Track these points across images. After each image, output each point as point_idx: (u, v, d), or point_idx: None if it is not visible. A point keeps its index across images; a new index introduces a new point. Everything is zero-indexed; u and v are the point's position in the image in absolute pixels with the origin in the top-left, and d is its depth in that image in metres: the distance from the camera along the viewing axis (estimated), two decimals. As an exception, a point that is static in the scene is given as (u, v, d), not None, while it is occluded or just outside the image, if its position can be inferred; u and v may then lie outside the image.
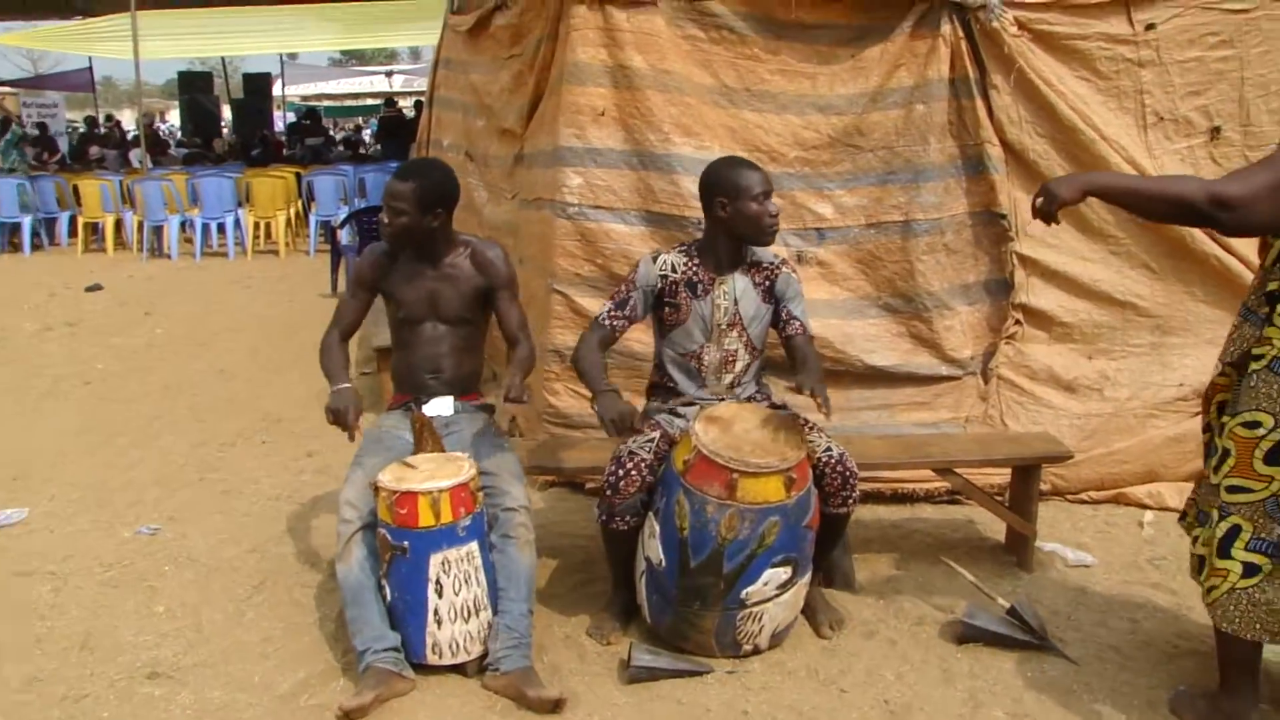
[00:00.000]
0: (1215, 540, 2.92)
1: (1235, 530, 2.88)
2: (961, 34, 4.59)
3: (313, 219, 13.18)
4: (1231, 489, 2.88)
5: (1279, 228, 2.77)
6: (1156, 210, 2.87)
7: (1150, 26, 4.66)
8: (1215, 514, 2.94)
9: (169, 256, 12.78)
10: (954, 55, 4.61)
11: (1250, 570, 2.87)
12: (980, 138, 4.64)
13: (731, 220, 3.52)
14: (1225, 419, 2.94)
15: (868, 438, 4.34)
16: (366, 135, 25.87)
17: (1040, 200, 2.93)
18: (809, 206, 4.73)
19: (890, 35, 4.61)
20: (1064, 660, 3.44)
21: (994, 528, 4.42)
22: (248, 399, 6.59)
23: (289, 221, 13.36)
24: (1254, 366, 2.85)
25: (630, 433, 3.36)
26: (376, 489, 3.24)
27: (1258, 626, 2.89)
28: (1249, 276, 4.16)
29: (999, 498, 4.39)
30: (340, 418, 3.41)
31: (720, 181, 3.54)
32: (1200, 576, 3.04)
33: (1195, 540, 3.11)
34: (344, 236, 10.17)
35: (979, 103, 4.63)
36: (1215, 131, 4.79)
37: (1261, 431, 2.80)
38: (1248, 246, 4.67)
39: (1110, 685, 3.31)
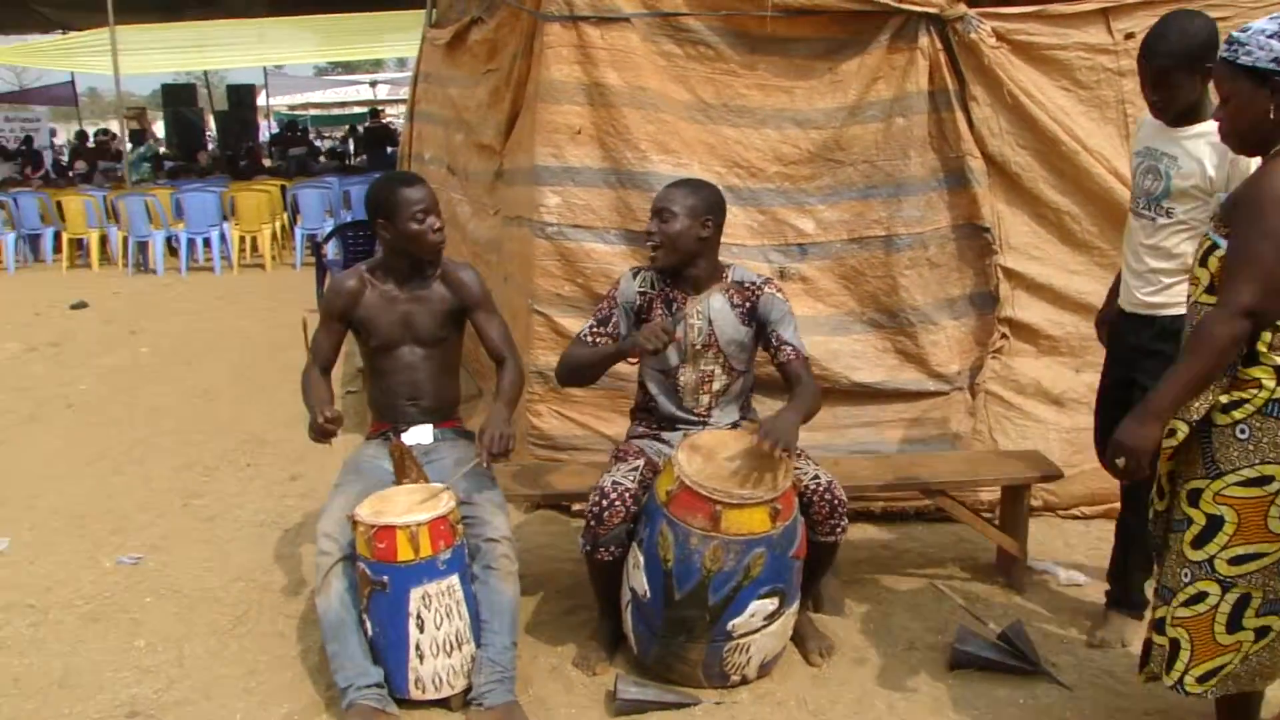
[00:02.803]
0: (1220, 616, 2.62)
1: (1245, 599, 2.60)
2: (940, 46, 4.54)
3: (298, 232, 13.11)
4: (1236, 559, 2.58)
5: None
6: (1218, 372, 2.54)
7: (1130, 35, 4.61)
8: (1213, 589, 2.60)
9: (155, 272, 12.72)
10: (933, 67, 4.56)
11: (1262, 633, 2.64)
12: (961, 150, 4.60)
13: None
14: (1197, 483, 2.61)
15: (855, 459, 4.31)
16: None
17: (1124, 460, 2.60)
18: (790, 222, 4.69)
19: (868, 48, 4.57)
20: (1057, 686, 3.40)
21: (986, 545, 4.37)
22: (232, 420, 6.54)
23: (274, 235, 13.30)
24: (1236, 415, 2.55)
25: (665, 336, 3.34)
26: (354, 522, 3.20)
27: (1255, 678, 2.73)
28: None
29: (988, 514, 4.36)
30: (323, 429, 3.40)
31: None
32: (1174, 664, 2.69)
33: (1159, 623, 2.76)
34: (330, 251, 10.10)
35: (959, 115, 4.58)
36: (1198, 141, 4.74)
37: (1275, 487, 2.51)
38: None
39: (1105, 712, 3.26)
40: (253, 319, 9.84)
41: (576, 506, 4.67)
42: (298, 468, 5.55)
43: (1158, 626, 2.75)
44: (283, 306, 10.25)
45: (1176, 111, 3.31)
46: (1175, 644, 2.68)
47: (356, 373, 6.65)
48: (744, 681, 3.39)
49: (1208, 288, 2.61)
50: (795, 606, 3.41)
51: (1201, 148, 3.31)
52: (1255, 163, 3.03)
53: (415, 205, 3.46)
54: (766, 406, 4.26)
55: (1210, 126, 3.19)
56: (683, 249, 3.51)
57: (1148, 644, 2.83)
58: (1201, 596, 2.62)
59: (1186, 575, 2.65)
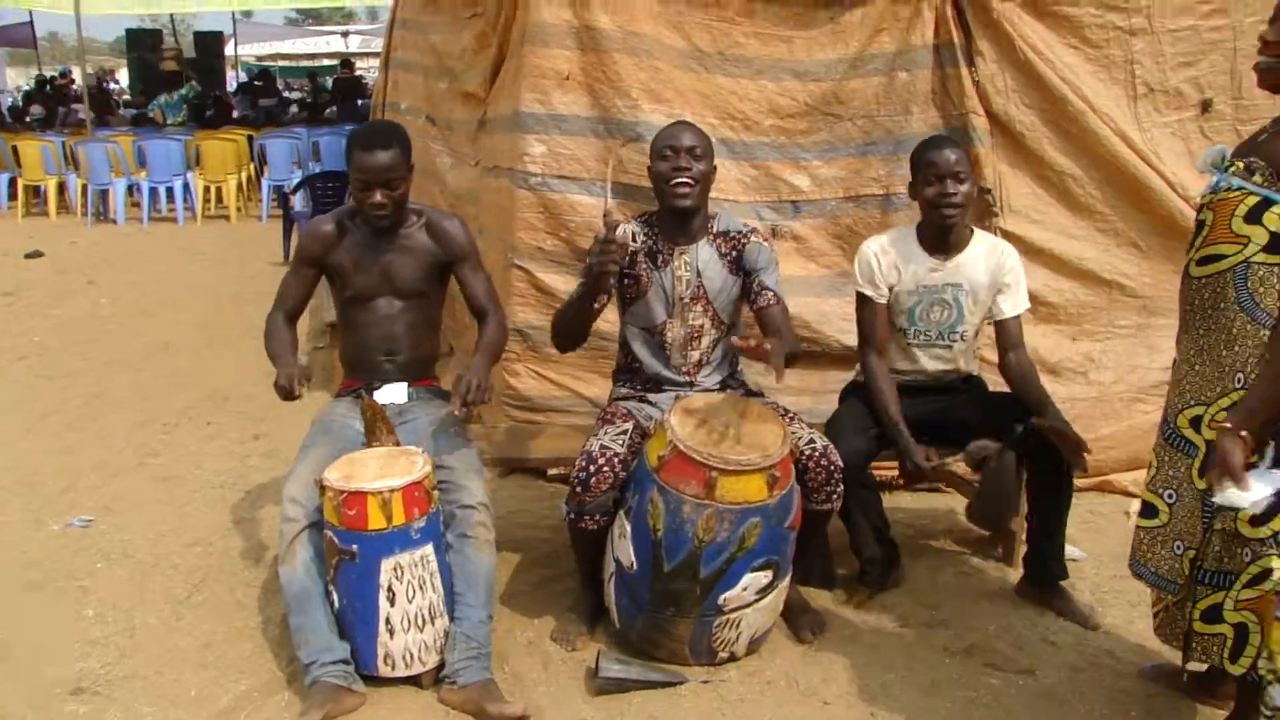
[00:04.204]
0: None
1: None
2: (947, -2, 4.36)
3: (265, 183, 12.77)
4: None
5: None
6: None
7: (1144, -10, 4.45)
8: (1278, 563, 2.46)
9: (115, 222, 12.34)
10: (938, 20, 4.38)
11: None
12: (965, 108, 4.41)
13: (651, 183, 3.37)
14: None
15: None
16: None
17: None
18: (784, 178, 4.49)
19: (872, -2, 4.37)
20: (1057, 667, 3.24)
21: (977, 517, 4.21)
22: (193, 375, 6.28)
23: (241, 186, 12.94)
24: None
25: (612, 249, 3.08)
26: (322, 487, 2.98)
27: None
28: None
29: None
30: (286, 386, 3.17)
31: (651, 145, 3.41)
32: (1243, 650, 2.56)
33: (1203, 609, 2.64)
34: (297, 203, 9.85)
35: (964, 71, 4.39)
36: (1206, 104, 4.59)
37: None
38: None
39: (1107, 694, 3.11)
40: (216, 271, 9.53)
41: (553, 471, 4.48)
42: (261, 426, 5.31)
43: (1208, 615, 2.63)
44: (249, 259, 9.98)
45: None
46: (1243, 629, 2.55)
47: (325, 328, 6.39)
48: (732, 659, 3.22)
49: (1266, 246, 2.46)
50: (788, 580, 3.23)
51: (979, 267, 3.58)
52: (1011, 255, 3.63)
53: (360, 174, 3.23)
54: (754, 368, 4.07)
55: (978, 248, 3.61)
56: (706, 191, 3.35)
57: (1187, 637, 2.70)
58: (1267, 574, 2.46)
59: (1247, 555, 2.52)
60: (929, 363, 3.68)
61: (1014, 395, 3.62)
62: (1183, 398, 2.68)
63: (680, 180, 3.26)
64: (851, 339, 4.44)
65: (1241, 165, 2.56)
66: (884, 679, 3.18)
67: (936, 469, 3.53)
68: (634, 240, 3.39)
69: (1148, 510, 2.79)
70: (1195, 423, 2.64)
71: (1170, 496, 2.71)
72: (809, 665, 3.25)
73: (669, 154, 3.28)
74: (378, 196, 3.23)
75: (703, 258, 3.40)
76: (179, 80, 15.02)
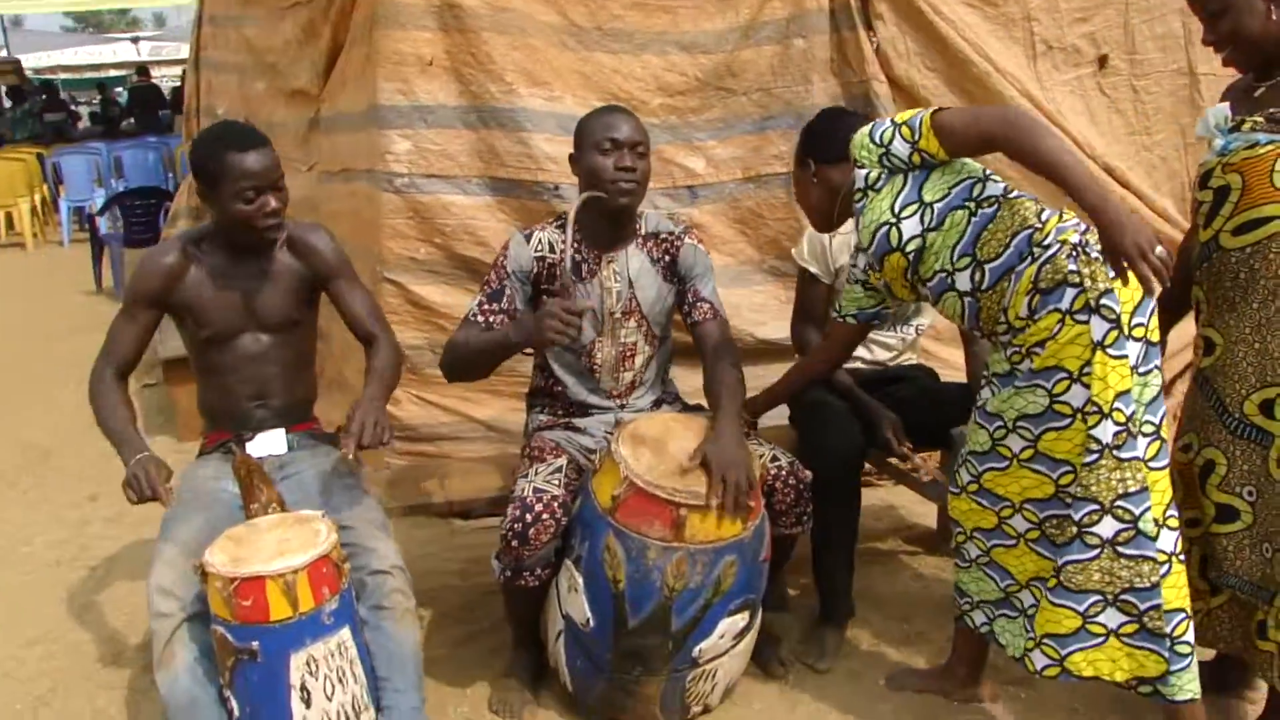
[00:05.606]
0: None
1: None
2: (839, -44, 4.04)
3: (63, 205, 11.69)
4: None
5: None
6: None
7: (1036, -58, 4.22)
8: None
9: (-111, 259, 11.12)
10: (832, -19, 4.05)
11: None
12: (866, 74, 4.11)
13: (581, 179, 2.86)
14: None
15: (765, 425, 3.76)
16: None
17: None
18: (678, 161, 4.10)
19: (759, -41, 4.00)
20: (1056, 680, 2.93)
21: (921, 512, 3.92)
22: (3, 430, 5.49)
23: (35, 209, 11.83)
24: None
25: (576, 320, 2.59)
26: (204, 573, 2.43)
27: None
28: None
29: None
30: (141, 488, 2.55)
31: (575, 132, 2.90)
32: None
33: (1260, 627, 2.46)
34: (103, 224, 9.00)
35: (862, 35, 4.09)
36: (1103, 60, 4.42)
37: None
38: (1170, 198, 4.44)
39: (1115, 698, 2.81)
40: (18, 306, 8.58)
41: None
42: (96, 485, 4.58)
43: (1258, 631, 2.41)
44: (55, 290, 9.06)
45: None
46: None
47: (157, 363, 5.68)
48: (705, 711, 2.81)
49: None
50: (760, 618, 2.83)
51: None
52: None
53: (245, 180, 2.66)
54: (683, 381, 3.67)
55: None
56: (645, 192, 2.88)
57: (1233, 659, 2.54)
58: None
59: None
60: (880, 352, 3.33)
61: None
62: (1245, 382, 2.38)
63: (626, 181, 2.77)
64: (765, 330, 4.15)
65: (1261, 119, 2.32)
66: (878, 710, 2.83)
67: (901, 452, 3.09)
68: (550, 250, 2.92)
69: (1225, 514, 2.47)
70: (1267, 407, 2.34)
71: (1250, 494, 2.41)
72: (793, 706, 2.87)
73: (608, 147, 2.77)
74: (273, 202, 2.69)
75: (633, 266, 2.94)
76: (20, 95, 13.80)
